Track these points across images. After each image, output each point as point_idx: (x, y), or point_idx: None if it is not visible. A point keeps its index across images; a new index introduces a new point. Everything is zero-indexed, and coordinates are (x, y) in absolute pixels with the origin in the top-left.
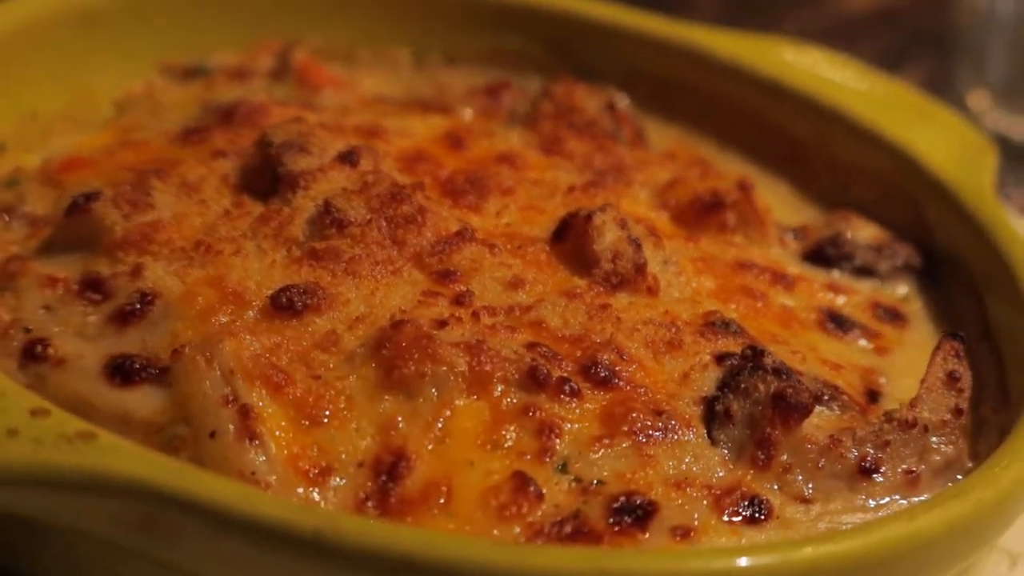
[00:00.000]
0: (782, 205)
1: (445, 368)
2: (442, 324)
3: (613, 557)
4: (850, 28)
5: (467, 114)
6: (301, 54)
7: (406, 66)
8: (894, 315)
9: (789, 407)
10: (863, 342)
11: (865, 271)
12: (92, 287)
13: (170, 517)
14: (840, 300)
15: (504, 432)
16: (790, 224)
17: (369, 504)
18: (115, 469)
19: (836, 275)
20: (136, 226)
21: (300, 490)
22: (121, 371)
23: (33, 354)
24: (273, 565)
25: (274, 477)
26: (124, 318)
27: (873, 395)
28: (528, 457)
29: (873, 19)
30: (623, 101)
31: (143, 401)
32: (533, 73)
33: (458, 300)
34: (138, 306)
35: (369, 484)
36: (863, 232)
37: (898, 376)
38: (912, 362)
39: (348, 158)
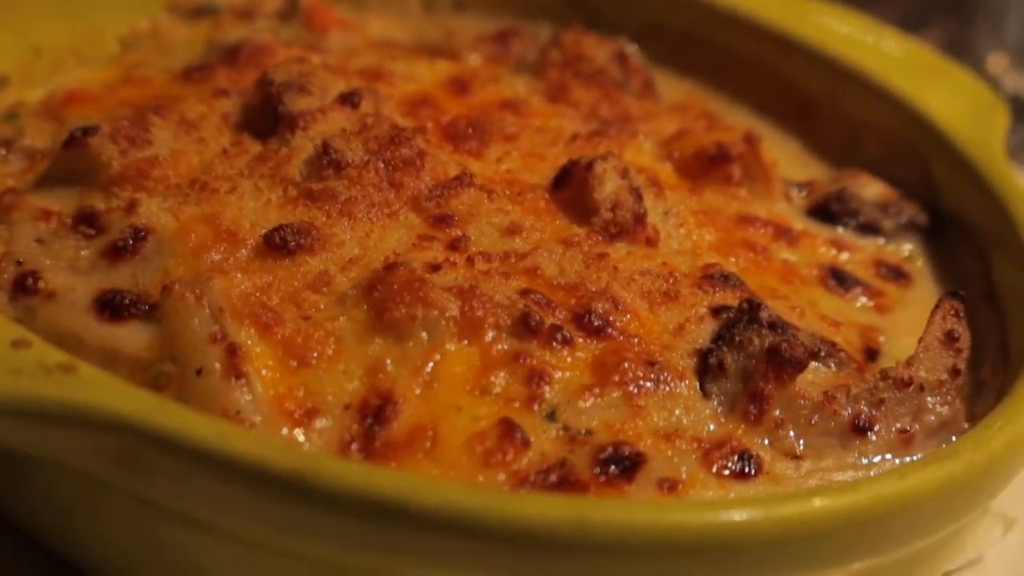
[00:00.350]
0: (791, 162)
1: (436, 312)
2: (435, 268)
3: (595, 506)
4: None
5: (474, 60)
6: None
7: (415, 10)
8: (897, 273)
9: (783, 361)
10: (864, 299)
11: (870, 228)
12: (86, 221)
13: (148, 453)
14: (843, 256)
15: (493, 378)
16: (797, 180)
17: (354, 447)
18: (94, 402)
19: (840, 231)
20: (133, 162)
21: (285, 431)
22: (111, 306)
23: (24, 287)
24: (251, 506)
25: (259, 417)
26: (116, 253)
27: (871, 353)
28: (516, 404)
29: None
30: (634, 52)
31: (131, 337)
32: (545, 22)
33: (453, 245)
34: (131, 241)
35: (355, 426)
36: (870, 189)
37: (898, 335)
38: (913, 321)
39: (349, 100)
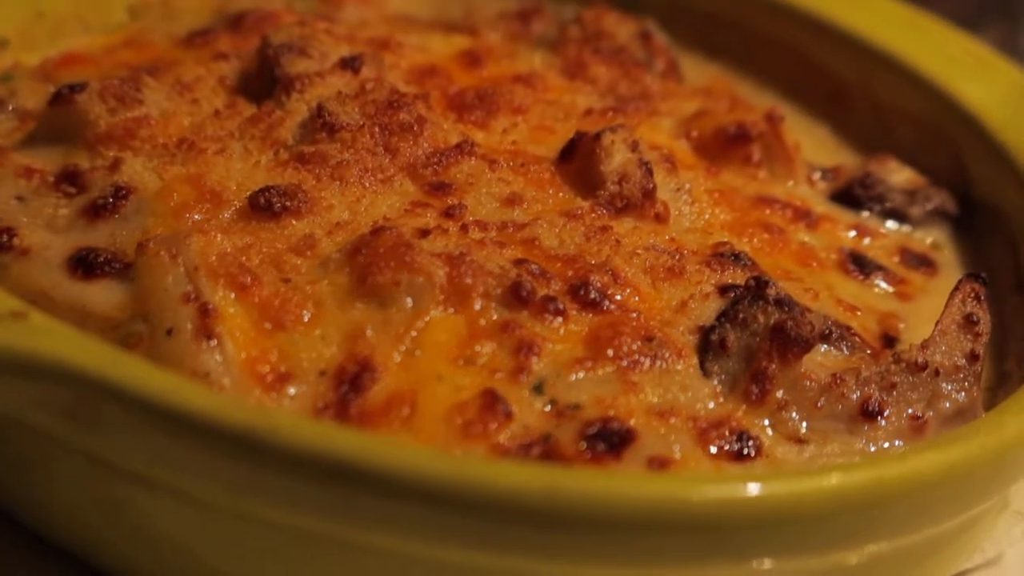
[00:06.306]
0: (818, 147)
1: (422, 278)
2: (425, 234)
3: (568, 476)
4: None
5: (492, 37)
6: None
7: None
8: (922, 261)
9: (789, 340)
10: (885, 286)
11: (895, 215)
12: (68, 180)
13: (97, 404)
14: (865, 242)
15: (479, 348)
16: (823, 165)
17: (327, 414)
18: (41, 350)
19: (864, 217)
20: (121, 121)
21: (256, 395)
22: (84, 263)
23: None
24: (200, 463)
25: (229, 380)
26: (96, 211)
27: (889, 340)
28: (501, 375)
29: None
30: (661, 34)
31: (102, 295)
32: (570, 2)
33: (448, 213)
34: (111, 200)
35: (330, 393)
36: (897, 175)
37: (919, 323)
38: (936, 310)
39: (350, 64)
